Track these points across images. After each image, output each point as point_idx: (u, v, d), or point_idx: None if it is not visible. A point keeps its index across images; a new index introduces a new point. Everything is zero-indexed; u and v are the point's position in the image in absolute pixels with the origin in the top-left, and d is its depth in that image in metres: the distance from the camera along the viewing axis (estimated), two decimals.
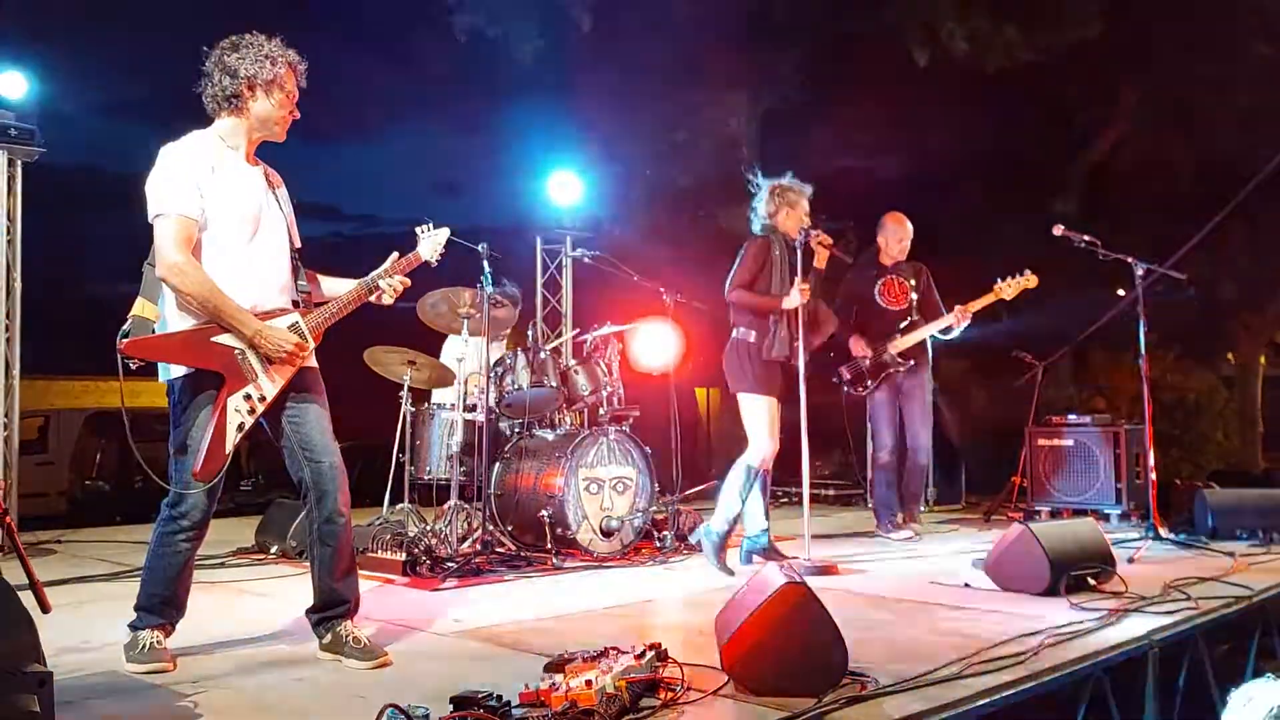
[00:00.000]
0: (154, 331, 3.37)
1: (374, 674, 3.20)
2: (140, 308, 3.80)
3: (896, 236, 6.75)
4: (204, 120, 3.38)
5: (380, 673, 3.22)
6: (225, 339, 3.24)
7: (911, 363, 6.56)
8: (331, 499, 3.36)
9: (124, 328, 3.36)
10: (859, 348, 6.64)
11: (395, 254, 3.65)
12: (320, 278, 3.63)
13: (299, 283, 3.47)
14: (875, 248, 6.89)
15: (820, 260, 5.33)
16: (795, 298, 5.19)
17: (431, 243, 3.76)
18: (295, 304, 3.45)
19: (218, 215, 3.25)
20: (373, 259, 3.66)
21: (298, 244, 3.54)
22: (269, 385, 3.29)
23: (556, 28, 10.28)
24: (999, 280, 6.44)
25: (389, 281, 3.56)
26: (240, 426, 3.23)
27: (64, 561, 5.67)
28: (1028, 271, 6.36)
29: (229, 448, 3.21)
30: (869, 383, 6.64)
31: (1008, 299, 6.43)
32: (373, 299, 3.57)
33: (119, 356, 3.23)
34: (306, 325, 3.41)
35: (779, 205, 5.43)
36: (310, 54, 3.42)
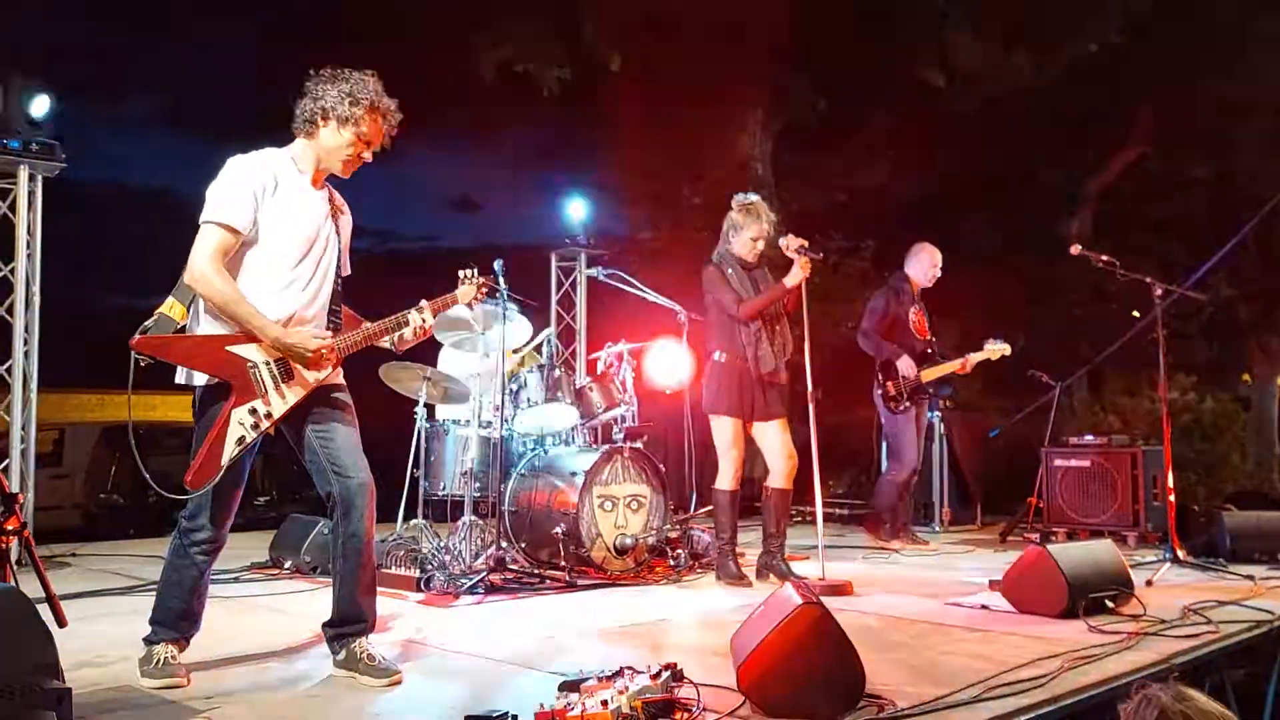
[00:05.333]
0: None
1: (387, 692, 3.19)
2: (169, 306, 3.76)
3: (932, 264, 7.07)
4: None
5: (394, 691, 3.21)
6: (240, 349, 3.23)
7: (931, 391, 7.02)
8: (358, 515, 3.36)
9: (145, 323, 3.32)
10: (908, 368, 6.86)
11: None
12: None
13: (333, 307, 3.48)
14: (904, 274, 7.13)
15: (804, 267, 5.21)
16: (795, 275, 5.20)
17: (471, 288, 3.81)
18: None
19: (271, 232, 3.27)
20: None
21: (346, 271, 3.56)
22: (278, 402, 3.28)
23: (583, 61, 10.41)
24: (991, 341, 6.91)
25: (420, 315, 3.58)
26: (241, 440, 3.20)
27: (78, 575, 5.68)
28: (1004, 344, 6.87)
29: (225, 459, 3.18)
30: (906, 403, 6.89)
31: (993, 359, 6.89)
32: (390, 343, 3.61)
33: (131, 353, 3.20)
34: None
35: (728, 231, 5.46)
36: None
